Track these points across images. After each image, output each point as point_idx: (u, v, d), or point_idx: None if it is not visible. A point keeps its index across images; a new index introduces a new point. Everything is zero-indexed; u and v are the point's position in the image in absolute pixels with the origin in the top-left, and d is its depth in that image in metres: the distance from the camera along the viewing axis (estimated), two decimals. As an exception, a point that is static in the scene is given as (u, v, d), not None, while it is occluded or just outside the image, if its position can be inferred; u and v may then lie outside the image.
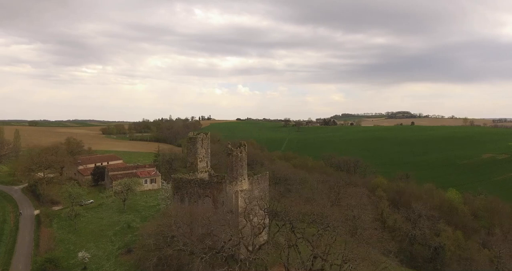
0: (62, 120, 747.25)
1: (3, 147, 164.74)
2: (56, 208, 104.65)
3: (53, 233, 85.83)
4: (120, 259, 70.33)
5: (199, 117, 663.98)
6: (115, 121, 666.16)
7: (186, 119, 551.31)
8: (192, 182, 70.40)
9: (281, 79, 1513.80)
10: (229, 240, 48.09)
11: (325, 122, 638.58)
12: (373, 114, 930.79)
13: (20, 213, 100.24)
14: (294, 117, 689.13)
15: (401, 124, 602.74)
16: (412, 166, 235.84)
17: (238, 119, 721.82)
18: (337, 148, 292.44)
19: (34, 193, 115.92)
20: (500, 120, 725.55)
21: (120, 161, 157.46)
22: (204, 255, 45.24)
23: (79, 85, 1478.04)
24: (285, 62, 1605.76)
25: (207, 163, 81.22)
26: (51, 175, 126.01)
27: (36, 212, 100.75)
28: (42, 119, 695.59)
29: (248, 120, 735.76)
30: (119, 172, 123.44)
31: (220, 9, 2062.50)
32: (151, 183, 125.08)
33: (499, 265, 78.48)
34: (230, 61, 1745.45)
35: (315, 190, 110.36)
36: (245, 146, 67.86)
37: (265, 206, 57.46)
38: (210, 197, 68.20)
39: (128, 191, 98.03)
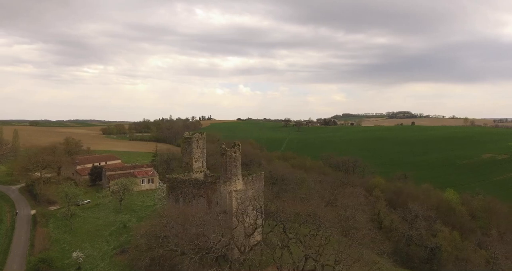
0: (63, 120, 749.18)
1: (1, 146, 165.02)
2: (53, 208, 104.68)
3: (48, 233, 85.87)
4: (114, 259, 70.26)
5: (200, 117, 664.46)
6: (116, 121, 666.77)
7: (187, 119, 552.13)
8: (186, 182, 70.21)
9: (282, 79, 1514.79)
10: (219, 241, 47.93)
11: (325, 122, 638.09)
12: (374, 114, 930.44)
13: (17, 212, 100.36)
14: (295, 117, 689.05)
15: (401, 124, 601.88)
16: (411, 166, 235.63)
17: (238, 119, 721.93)
18: (337, 148, 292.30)
19: (31, 192, 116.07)
20: (501, 120, 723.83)
21: (118, 161, 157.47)
22: (193, 256, 45.10)
23: (80, 85, 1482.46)
24: (287, 62, 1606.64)
25: (202, 163, 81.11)
26: (49, 175, 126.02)
27: (33, 212, 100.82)
28: (43, 119, 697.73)
29: (249, 121, 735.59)
30: (117, 172, 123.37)
31: (221, 9, 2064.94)
32: (148, 183, 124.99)
33: (494, 266, 78.18)
34: (231, 61, 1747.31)
35: (312, 190, 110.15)
36: (239, 146, 67.74)
37: (258, 206, 57.28)
38: (204, 197, 68.14)
39: (125, 190, 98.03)
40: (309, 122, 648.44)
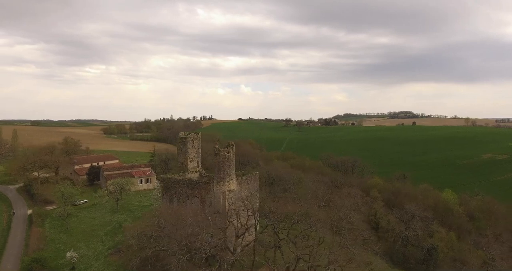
0: (65, 120, 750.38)
1: (0, 146, 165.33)
2: (50, 207, 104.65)
3: (44, 232, 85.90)
4: (109, 259, 70.13)
5: (201, 117, 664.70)
6: (117, 121, 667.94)
7: (188, 119, 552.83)
8: (180, 182, 70.21)
9: (283, 79, 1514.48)
10: (208, 242, 47.84)
11: (326, 122, 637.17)
12: (375, 114, 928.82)
13: (13, 212, 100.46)
14: (296, 117, 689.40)
15: (402, 124, 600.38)
16: (411, 166, 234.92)
17: (239, 119, 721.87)
18: (337, 148, 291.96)
19: (29, 192, 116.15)
20: (503, 120, 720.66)
21: (117, 161, 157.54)
22: (181, 256, 45.03)
23: (82, 85, 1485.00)
24: (288, 62, 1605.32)
25: (198, 163, 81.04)
26: (46, 175, 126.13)
27: (30, 211, 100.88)
28: (45, 119, 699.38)
29: (250, 120, 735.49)
30: (114, 172, 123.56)
31: (222, 9, 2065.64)
32: (146, 182, 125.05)
33: (490, 267, 77.84)
34: (233, 61, 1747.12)
35: (309, 190, 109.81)
36: (233, 146, 67.69)
37: (250, 206, 57.16)
38: (198, 197, 68.07)
39: (121, 190, 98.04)
40: (310, 122, 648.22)
